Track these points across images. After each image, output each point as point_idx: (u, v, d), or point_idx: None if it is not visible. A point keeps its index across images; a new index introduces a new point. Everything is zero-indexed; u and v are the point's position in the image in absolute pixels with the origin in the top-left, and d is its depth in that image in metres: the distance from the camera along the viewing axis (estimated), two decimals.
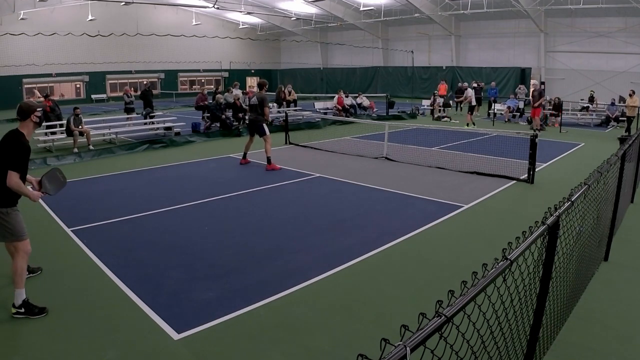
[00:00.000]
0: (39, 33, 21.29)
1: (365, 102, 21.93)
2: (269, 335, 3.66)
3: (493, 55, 29.50)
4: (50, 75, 30.38)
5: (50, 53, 28.71)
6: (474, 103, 17.68)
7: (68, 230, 6.09)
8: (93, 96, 32.81)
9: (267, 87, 10.50)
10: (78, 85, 33.08)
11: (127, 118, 16.86)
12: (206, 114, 16.21)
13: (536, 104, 15.78)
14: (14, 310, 3.94)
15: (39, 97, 15.85)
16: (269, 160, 9.83)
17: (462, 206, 7.17)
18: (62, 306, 4.12)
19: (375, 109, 21.82)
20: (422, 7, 27.55)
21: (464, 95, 17.45)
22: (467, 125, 16.90)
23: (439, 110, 20.47)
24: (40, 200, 7.48)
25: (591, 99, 19.77)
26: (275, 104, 18.84)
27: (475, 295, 1.57)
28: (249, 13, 32.30)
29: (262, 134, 10.03)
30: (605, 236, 4.95)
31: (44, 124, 13.87)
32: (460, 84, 25.36)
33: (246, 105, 17.35)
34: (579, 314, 3.90)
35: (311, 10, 32.05)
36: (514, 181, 8.73)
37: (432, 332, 1.31)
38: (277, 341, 3.59)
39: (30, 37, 21.40)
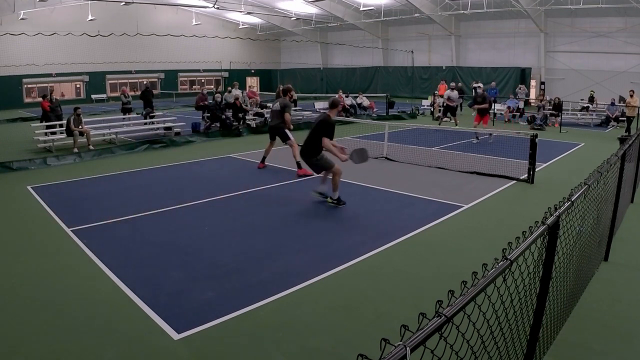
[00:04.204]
0: (39, 33, 21.26)
1: (365, 102, 21.93)
2: (269, 335, 3.66)
3: (493, 55, 29.48)
4: (50, 75, 30.38)
5: (50, 53, 28.70)
6: (453, 104, 16.24)
7: (68, 230, 6.09)
8: (93, 96, 32.81)
9: (292, 92, 10.17)
10: (78, 85, 33.08)
11: (124, 118, 16.86)
12: (206, 114, 16.21)
13: (477, 107, 13.34)
14: (329, 200, 7.09)
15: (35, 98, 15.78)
16: (299, 165, 9.40)
17: (462, 206, 7.17)
18: (62, 306, 4.12)
19: (375, 109, 21.83)
20: (422, 7, 27.54)
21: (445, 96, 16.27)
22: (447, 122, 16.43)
23: (439, 111, 20.45)
24: (40, 200, 7.55)
25: (591, 99, 19.77)
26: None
27: (475, 295, 1.57)
28: (249, 13, 32.29)
29: (285, 139, 9.72)
30: (605, 236, 4.95)
31: (44, 123, 13.90)
32: (459, 84, 25.40)
33: (245, 106, 17.42)
34: (579, 314, 3.90)
35: (311, 10, 32.04)
36: (514, 181, 8.73)
37: (432, 332, 1.31)
38: (277, 341, 3.59)
39: (30, 37, 21.39)
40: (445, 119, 19.73)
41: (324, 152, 6.93)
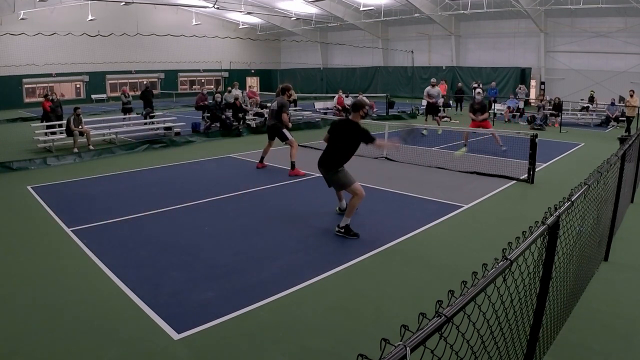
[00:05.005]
0: (39, 33, 21.24)
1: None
2: (269, 335, 3.66)
3: (493, 55, 29.49)
4: (50, 75, 30.37)
5: (50, 53, 28.69)
6: (432, 100, 15.20)
7: (68, 230, 6.09)
8: (93, 96, 32.82)
9: (290, 91, 9.64)
10: (78, 85, 33.08)
11: (124, 118, 16.87)
12: (206, 114, 16.22)
13: (481, 118, 11.84)
14: (337, 230, 5.81)
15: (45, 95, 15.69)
16: (292, 165, 9.42)
17: (462, 206, 7.17)
18: (62, 306, 4.12)
19: (375, 109, 21.82)
20: (422, 7, 27.54)
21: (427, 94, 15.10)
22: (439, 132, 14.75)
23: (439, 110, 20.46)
24: (40, 200, 7.55)
25: (591, 99, 19.78)
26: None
27: (475, 295, 1.57)
28: (249, 13, 32.29)
29: (284, 139, 9.65)
30: (605, 236, 4.95)
31: (45, 123, 13.90)
32: (459, 84, 25.42)
33: (245, 106, 17.42)
34: (579, 314, 3.90)
35: (311, 10, 32.04)
36: (514, 181, 8.73)
37: (432, 332, 1.31)
38: (277, 341, 3.59)
39: (30, 37, 21.38)
40: (445, 118, 19.74)
41: (345, 167, 5.98)
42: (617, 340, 3.58)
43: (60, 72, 30.64)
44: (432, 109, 15.36)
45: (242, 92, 18.59)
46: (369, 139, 5.84)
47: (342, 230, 5.81)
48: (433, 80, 16.30)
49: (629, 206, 6.98)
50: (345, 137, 5.87)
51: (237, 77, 34.14)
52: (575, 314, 3.89)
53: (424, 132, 14.49)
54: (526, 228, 2.15)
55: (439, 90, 15.99)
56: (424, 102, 23.71)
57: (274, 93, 20.90)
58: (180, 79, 38.23)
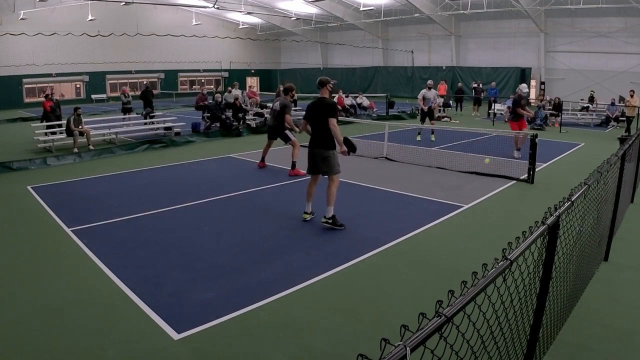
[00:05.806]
0: (39, 33, 21.25)
1: (365, 102, 21.93)
2: (269, 335, 3.66)
3: (493, 55, 29.49)
4: (50, 75, 30.37)
5: (50, 53, 28.69)
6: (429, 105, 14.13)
7: (68, 230, 6.09)
8: (93, 96, 32.82)
9: (293, 92, 9.30)
10: (78, 85, 33.08)
11: (124, 118, 16.86)
12: (206, 114, 16.22)
13: (525, 112, 11.54)
14: (324, 220, 6.02)
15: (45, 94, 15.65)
16: (293, 165, 9.42)
17: (462, 206, 7.16)
18: (62, 306, 4.12)
19: (375, 109, 21.83)
20: (422, 7, 27.54)
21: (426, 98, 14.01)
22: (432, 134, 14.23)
23: (439, 110, 20.47)
24: (40, 200, 7.56)
25: (591, 99, 19.78)
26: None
27: (475, 295, 1.56)
28: (249, 13, 32.29)
29: (286, 140, 9.63)
30: (605, 236, 4.95)
31: (45, 123, 13.90)
32: (459, 84, 25.42)
33: (245, 106, 17.42)
34: (579, 314, 3.90)
35: (311, 10, 32.04)
36: (514, 181, 8.73)
37: (432, 332, 1.31)
38: (277, 341, 3.59)
39: (30, 37, 21.39)
40: (445, 118, 19.75)
41: (333, 153, 6.07)
42: (617, 340, 3.58)
43: (60, 72, 30.65)
44: (429, 113, 14.45)
45: (242, 92, 18.59)
46: (333, 114, 5.88)
47: (330, 221, 5.98)
48: (430, 82, 14.95)
49: (629, 206, 6.98)
50: (322, 114, 5.97)
51: (237, 77, 34.15)
52: (575, 314, 3.88)
53: (418, 137, 14.14)
54: (526, 228, 2.15)
55: (435, 93, 15.00)
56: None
57: (274, 93, 20.88)
58: (180, 79, 38.23)
